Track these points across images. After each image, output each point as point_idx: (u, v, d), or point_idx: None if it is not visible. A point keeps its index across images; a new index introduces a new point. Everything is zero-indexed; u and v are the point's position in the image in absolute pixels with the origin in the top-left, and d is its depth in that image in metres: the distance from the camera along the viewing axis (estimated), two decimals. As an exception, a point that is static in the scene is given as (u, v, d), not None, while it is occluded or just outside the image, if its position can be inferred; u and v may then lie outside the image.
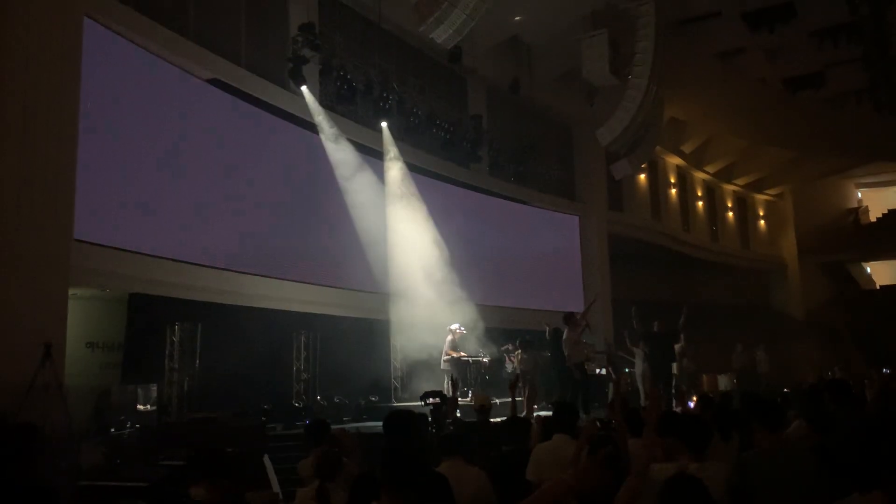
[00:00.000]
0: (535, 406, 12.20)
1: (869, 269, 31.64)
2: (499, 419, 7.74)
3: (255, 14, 12.76)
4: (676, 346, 13.98)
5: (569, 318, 12.56)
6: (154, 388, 9.83)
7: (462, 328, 14.05)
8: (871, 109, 17.88)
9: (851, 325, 26.75)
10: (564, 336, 12.44)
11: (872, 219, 31.83)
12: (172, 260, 10.49)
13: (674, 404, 10.69)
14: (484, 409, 7.14)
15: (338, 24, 14.14)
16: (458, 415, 8.13)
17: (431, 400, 9.73)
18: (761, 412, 4.20)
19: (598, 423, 5.69)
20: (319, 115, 13.29)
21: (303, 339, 12.43)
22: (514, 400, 7.32)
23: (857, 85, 19.38)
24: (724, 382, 18.87)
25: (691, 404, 8.71)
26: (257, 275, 11.85)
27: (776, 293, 30.51)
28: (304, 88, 12.87)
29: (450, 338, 13.72)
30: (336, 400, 12.24)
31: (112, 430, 8.13)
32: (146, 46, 10.43)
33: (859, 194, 33.37)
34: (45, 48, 8.40)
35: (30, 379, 7.31)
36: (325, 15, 13.79)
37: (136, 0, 10.55)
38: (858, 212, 32.33)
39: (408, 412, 4.96)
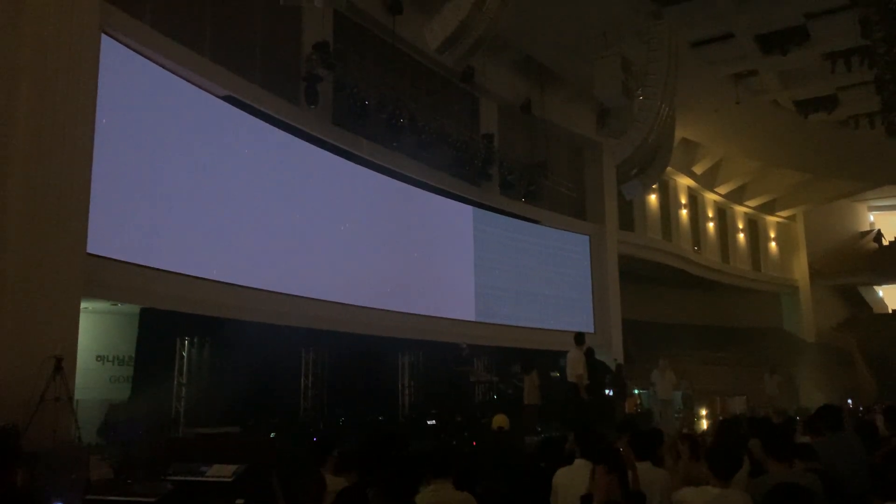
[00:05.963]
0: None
1: (881, 293, 31.44)
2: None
3: (270, 32, 12.86)
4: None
5: (579, 338, 12.61)
6: (163, 402, 9.85)
7: (469, 347, 14.05)
8: (883, 133, 17.83)
9: (863, 348, 26.56)
10: (571, 355, 12.46)
11: (885, 242, 31.66)
12: (183, 275, 10.53)
13: None
14: (503, 431, 7.04)
15: (352, 43, 14.24)
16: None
17: None
18: (769, 441, 4.20)
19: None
20: (332, 133, 13.38)
21: (311, 355, 12.42)
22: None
23: (870, 108, 19.36)
24: (736, 405, 18.71)
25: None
26: (267, 290, 11.87)
27: (787, 316, 30.31)
28: (319, 107, 12.94)
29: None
30: (341, 420, 12.18)
31: (121, 443, 8.14)
32: (162, 63, 10.52)
33: (871, 217, 33.25)
34: (61, 64, 8.51)
35: (40, 391, 7.36)
36: (340, 34, 13.88)
37: (152, 17, 10.67)
38: (871, 235, 32.18)
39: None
